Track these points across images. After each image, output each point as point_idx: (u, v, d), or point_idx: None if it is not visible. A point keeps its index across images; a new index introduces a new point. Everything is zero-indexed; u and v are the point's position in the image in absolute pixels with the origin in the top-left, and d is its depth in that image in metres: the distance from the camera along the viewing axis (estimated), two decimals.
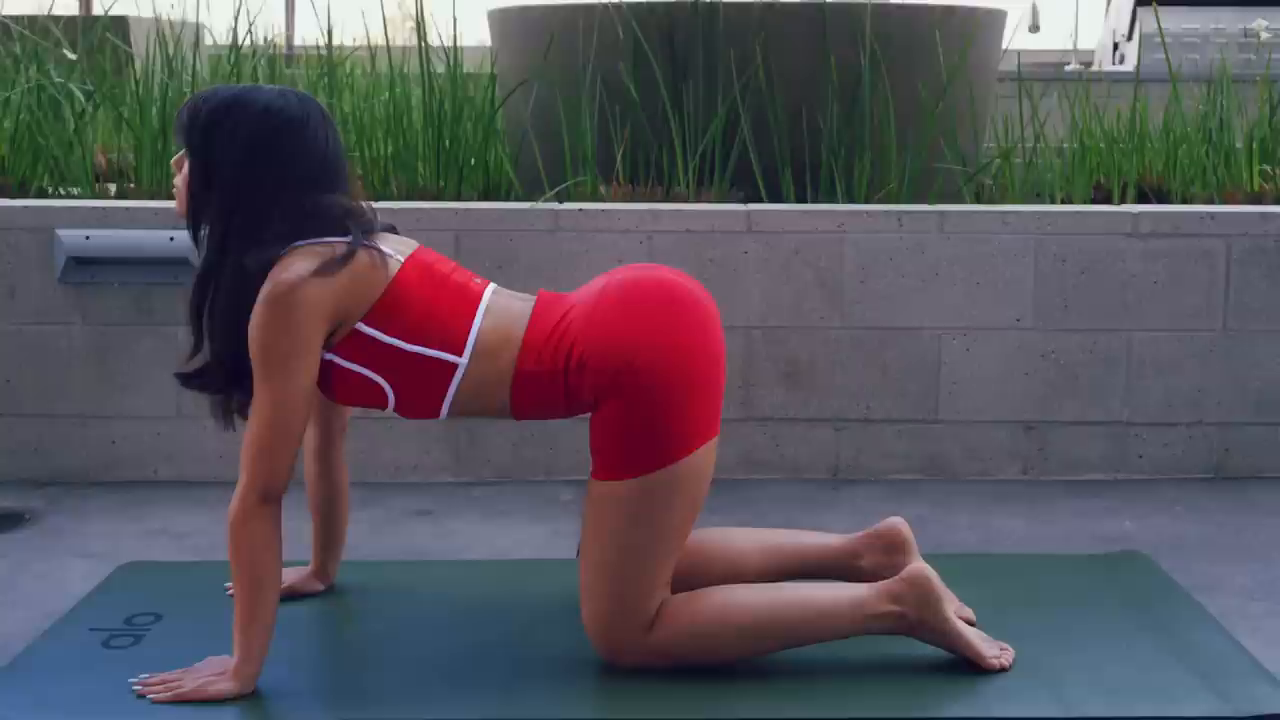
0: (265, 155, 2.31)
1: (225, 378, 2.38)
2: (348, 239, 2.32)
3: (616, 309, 2.34)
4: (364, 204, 2.42)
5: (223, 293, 2.32)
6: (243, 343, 2.31)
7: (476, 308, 2.37)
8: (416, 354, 2.33)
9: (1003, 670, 2.39)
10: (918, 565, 2.37)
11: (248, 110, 2.32)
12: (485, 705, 2.29)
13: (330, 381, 2.36)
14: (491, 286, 2.44)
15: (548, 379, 2.33)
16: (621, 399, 2.29)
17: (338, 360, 2.33)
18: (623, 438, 2.30)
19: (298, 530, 2.86)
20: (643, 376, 2.29)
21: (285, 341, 2.24)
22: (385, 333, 2.32)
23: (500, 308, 2.40)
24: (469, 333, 2.34)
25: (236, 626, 2.30)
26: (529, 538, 3.25)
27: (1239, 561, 3.09)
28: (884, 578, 2.52)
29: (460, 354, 2.33)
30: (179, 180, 2.38)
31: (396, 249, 2.39)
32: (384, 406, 2.37)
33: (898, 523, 2.59)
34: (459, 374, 2.33)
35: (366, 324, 2.31)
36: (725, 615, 2.35)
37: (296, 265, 2.27)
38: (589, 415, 2.37)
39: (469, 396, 2.36)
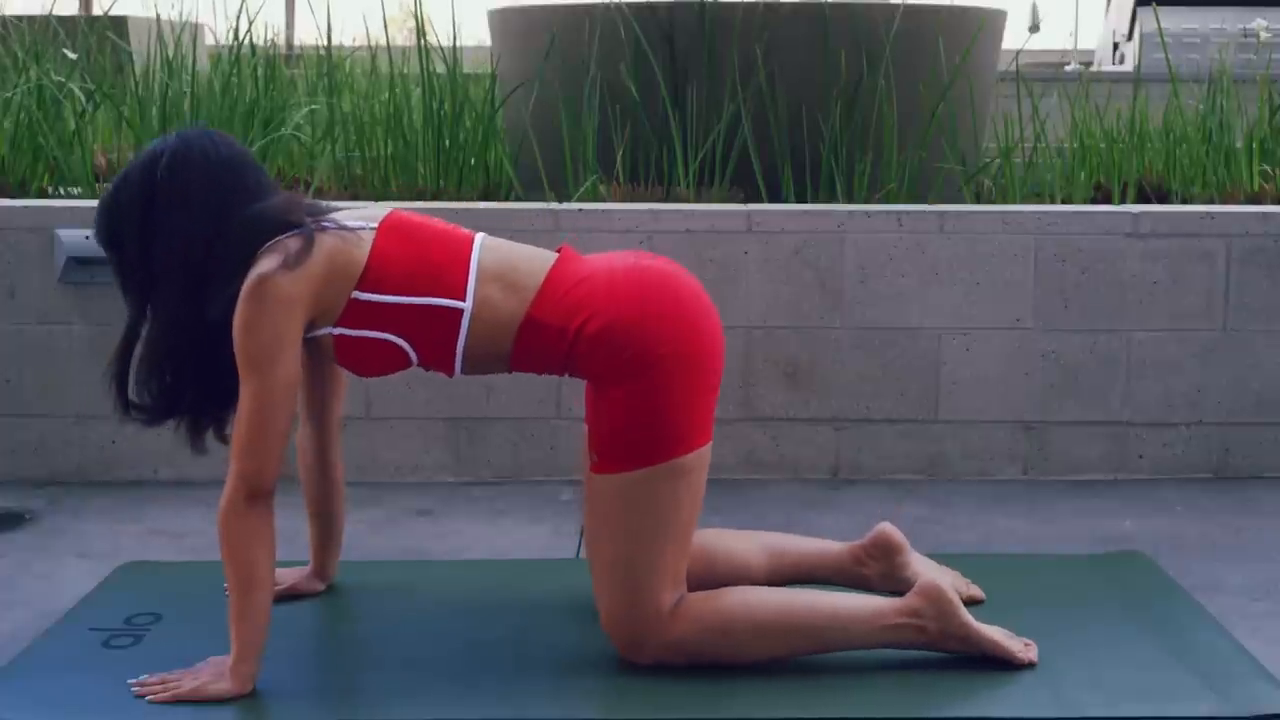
0: (191, 198, 2.33)
1: (191, 404, 2.41)
2: (301, 231, 2.33)
3: (644, 292, 2.34)
4: (299, 197, 2.44)
5: (193, 344, 2.36)
6: (223, 374, 2.35)
7: (469, 253, 2.39)
8: (420, 305, 2.34)
9: (1031, 665, 2.40)
10: (929, 579, 2.37)
11: (145, 174, 2.34)
12: (485, 705, 2.29)
13: (350, 356, 2.37)
14: (481, 234, 2.45)
15: (555, 334, 2.34)
16: (631, 385, 2.30)
17: (348, 332, 2.35)
18: (628, 428, 2.31)
19: (297, 530, 2.86)
20: (661, 364, 2.30)
21: (261, 337, 2.26)
22: (382, 293, 2.33)
23: (503, 255, 2.40)
24: (467, 277, 2.36)
25: (230, 625, 2.31)
26: (529, 538, 3.25)
27: (1239, 561, 3.09)
28: (892, 582, 2.56)
29: (462, 299, 2.34)
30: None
31: (367, 219, 2.41)
32: (408, 365, 2.38)
33: (886, 528, 2.63)
34: (465, 320, 2.34)
35: (361, 290, 2.33)
36: (746, 614, 2.36)
37: (265, 263, 2.30)
38: (585, 412, 2.38)
39: (479, 344, 2.36)
